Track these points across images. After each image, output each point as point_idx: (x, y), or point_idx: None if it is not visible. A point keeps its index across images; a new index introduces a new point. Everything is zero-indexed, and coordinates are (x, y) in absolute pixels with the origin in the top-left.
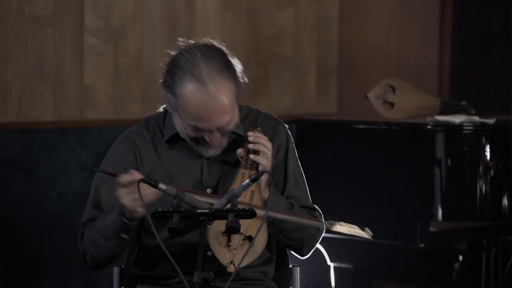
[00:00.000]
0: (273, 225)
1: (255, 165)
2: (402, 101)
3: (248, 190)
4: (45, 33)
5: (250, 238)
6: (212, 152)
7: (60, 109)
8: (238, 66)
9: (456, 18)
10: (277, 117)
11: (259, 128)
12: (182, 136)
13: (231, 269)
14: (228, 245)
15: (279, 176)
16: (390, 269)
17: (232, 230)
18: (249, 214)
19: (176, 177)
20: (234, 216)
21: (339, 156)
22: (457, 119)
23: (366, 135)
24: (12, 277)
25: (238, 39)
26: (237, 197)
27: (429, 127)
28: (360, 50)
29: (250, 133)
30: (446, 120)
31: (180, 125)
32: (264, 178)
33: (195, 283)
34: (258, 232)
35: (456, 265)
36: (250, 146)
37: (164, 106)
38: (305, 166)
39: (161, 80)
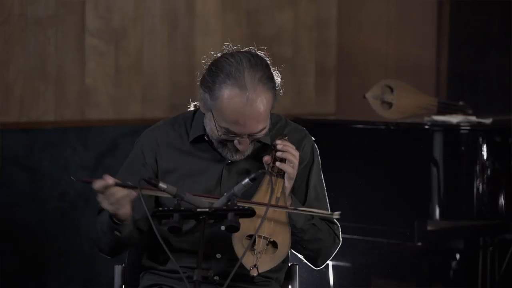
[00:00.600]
0: (292, 234)
1: (281, 173)
2: (400, 101)
3: (274, 197)
4: (47, 34)
5: (274, 244)
6: (236, 157)
7: (61, 109)
8: (278, 78)
9: (453, 19)
10: (304, 128)
11: (286, 137)
12: (210, 137)
13: (254, 272)
14: (252, 248)
15: (301, 188)
16: (388, 267)
17: (231, 229)
18: (249, 213)
19: (194, 178)
20: (234, 215)
21: (338, 155)
22: (454, 119)
23: (364, 134)
24: (14, 276)
25: (237, 40)
26: (237, 196)
27: (426, 127)
28: (359, 51)
29: (278, 142)
30: (443, 120)
31: (212, 126)
32: (289, 187)
33: (195, 281)
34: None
35: (453, 264)
36: (278, 154)
37: (194, 104)
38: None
39: (199, 79)
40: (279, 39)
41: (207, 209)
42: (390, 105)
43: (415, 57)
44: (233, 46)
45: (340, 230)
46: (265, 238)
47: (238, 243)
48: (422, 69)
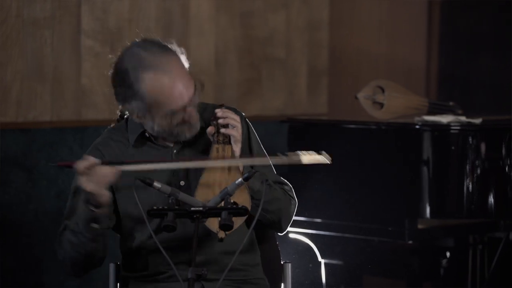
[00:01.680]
0: (252, 198)
1: (226, 139)
2: (390, 102)
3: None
4: (44, 35)
5: (234, 204)
6: (193, 131)
7: (58, 109)
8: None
9: (444, 20)
10: (234, 107)
11: (224, 106)
12: (162, 134)
13: (221, 234)
14: None
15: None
16: (379, 265)
17: (225, 227)
18: (242, 211)
19: (149, 175)
20: (228, 213)
21: (330, 155)
22: (444, 119)
23: (356, 134)
24: (11, 274)
25: (231, 41)
26: (231, 195)
27: (417, 127)
28: (350, 52)
29: (217, 110)
30: (433, 120)
31: (161, 122)
32: (238, 150)
33: (189, 279)
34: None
35: (443, 261)
36: (220, 120)
37: (107, 129)
38: (296, 165)
39: (118, 100)
40: (272, 41)
41: (201, 208)
42: (381, 105)
43: (405, 58)
44: (227, 49)
45: (293, 191)
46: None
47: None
48: (413, 70)
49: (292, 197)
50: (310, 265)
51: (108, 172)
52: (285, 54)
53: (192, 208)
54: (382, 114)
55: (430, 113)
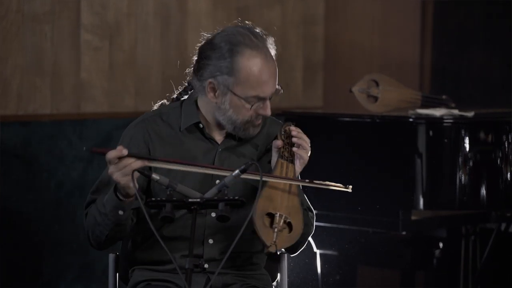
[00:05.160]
0: None
1: (291, 157)
2: (384, 95)
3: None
4: (43, 30)
5: (289, 225)
6: (258, 130)
7: (57, 102)
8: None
9: (437, 15)
10: (279, 121)
11: (294, 124)
12: (234, 122)
13: (273, 249)
14: (272, 226)
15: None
16: (374, 256)
17: (222, 218)
18: (239, 203)
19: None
20: (225, 205)
21: (325, 148)
22: (437, 112)
23: (350, 127)
24: (11, 263)
25: None
26: (228, 187)
27: (411, 120)
28: (345, 46)
29: (293, 128)
30: (427, 113)
31: (239, 105)
32: (298, 171)
33: (187, 269)
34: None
35: (436, 252)
36: (294, 139)
37: (160, 103)
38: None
39: (200, 75)
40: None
41: (198, 199)
42: (375, 98)
43: (399, 52)
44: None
45: (315, 218)
46: (284, 217)
47: (259, 219)
48: (406, 64)
49: (313, 225)
50: (306, 255)
51: (136, 165)
52: (280, 48)
53: (190, 199)
54: (376, 107)
55: (423, 106)
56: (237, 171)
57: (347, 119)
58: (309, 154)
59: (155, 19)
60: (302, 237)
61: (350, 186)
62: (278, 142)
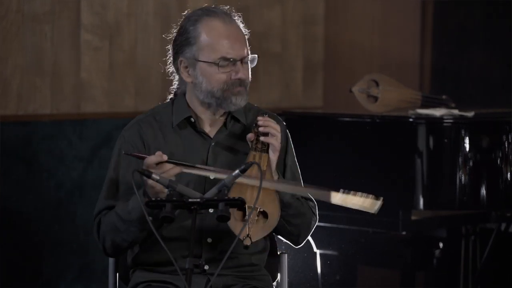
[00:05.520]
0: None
1: (265, 147)
2: (385, 95)
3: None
4: (43, 30)
5: (264, 214)
6: (240, 102)
7: (57, 102)
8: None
9: (437, 15)
10: (275, 114)
11: (266, 115)
12: (211, 93)
13: (247, 242)
14: (243, 219)
15: (279, 169)
16: (374, 256)
17: (222, 219)
18: (239, 203)
19: (182, 161)
20: (225, 205)
21: (325, 148)
22: (437, 112)
23: (350, 127)
24: (11, 263)
25: None
26: (227, 187)
27: (411, 120)
28: (345, 46)
29: (260, 118)
30: (427, 113)
31: (210, 72)
32: (274, 159)
33: (187, 269)
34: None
35: (436, 252)
36: (261, 129)
37: (172, 93)
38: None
39: (173, 56)
40: (268, 35)
41: (198, 199)
42: (375, 98)
43: (399, 52)
44: None
45: (316, 207)
46: (255, 208)
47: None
48: (406, 64)
49: (314, 214)
50: (306, 255)
51: (173, 172)
52: (280, 49)
53: (190, 200)
54: (376, 107)
55: (423, 106)
56: (237, 171)
57: (347, 119)
58: (279, 140)
59: (155, 19)
60: (303, 226)
61: (381, 198)
62: (249, 135)
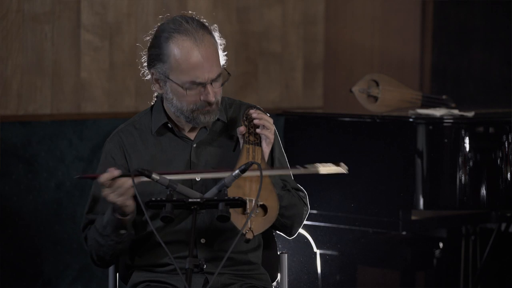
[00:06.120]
0: None
1: (257, 140)
2: (385, 95)
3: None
4: (44, 30)
5: (263, 207)
6: (210, 118)
7: (58, 103)
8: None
9: (437, 16)
10: (259, 106)
11: (255, 109)
12: (179, 111)
13: (250, 235)
14: (244, 212)
15: (267, 161)
16: (374, 256)
17: (222, 219)
18: (239, 203)
19: (164, 169)
20: (225, 205)
21: (325, 147)
22: (437, 112)
23: (351, 127)
24: (11, 263)
25: (228, 36)
26: (227, 187)
27: (411, 120)
28: (345, 47)
29: (252, 111)
30: (427, 113)
31: (178, 91)
32: (267, 152)
33: (187, 269)
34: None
35: (437, 252)
36: (256, 121)
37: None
38: (292, 157)
39: (148, 67)
40: (268, 35)
41: (198, 199)
42: (375, 98)
43: (399, 52)
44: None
45: (307, 198)
46: (255, 201)
47: (232, 209)
48: (407, 64)
49: (305, 204)
50: (306, 255)
51: (129, 185)
52: (281, 49)
53: (190, 200)
54: (377, 107)
55: (424, 106)
56: (237, 171)
57: (347, 119)
58: (273, 133)
59: (155, 19)
60: (295, 217)
61: (342, 164)
62: (241, 128)
